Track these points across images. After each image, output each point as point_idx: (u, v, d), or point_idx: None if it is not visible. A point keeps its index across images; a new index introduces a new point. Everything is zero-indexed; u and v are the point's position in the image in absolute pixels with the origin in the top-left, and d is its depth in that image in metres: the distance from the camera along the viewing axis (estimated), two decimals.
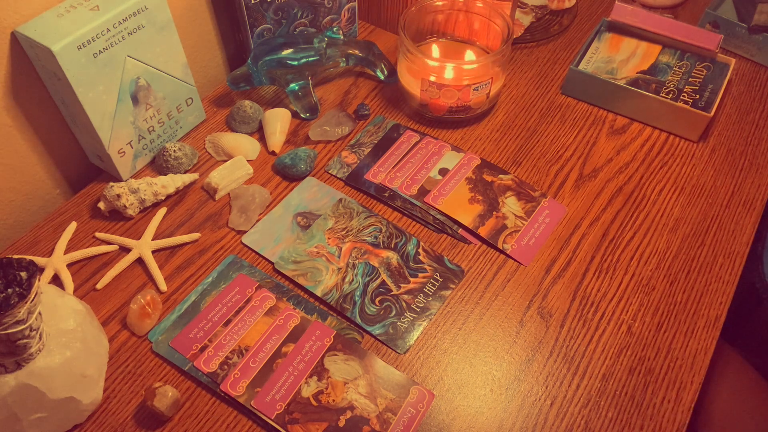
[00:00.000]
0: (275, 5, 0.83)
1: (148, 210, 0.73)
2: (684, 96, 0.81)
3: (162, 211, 0.73)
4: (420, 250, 0.69)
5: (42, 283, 0.64)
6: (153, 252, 0.69)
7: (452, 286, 0.67)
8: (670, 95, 0.81)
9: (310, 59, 0.81)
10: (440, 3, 0.84)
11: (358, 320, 0.63)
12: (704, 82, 0.83)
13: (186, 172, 0.77)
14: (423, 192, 0.74)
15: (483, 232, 0.71)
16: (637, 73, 0.85)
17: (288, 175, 0.76)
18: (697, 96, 0.81)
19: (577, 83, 0.85)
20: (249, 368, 0.60)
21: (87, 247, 0.69)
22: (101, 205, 0.71)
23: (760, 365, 0.80)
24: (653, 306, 0.66)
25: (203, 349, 0.61)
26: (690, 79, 0.84)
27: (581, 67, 0.86)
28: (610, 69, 0.86)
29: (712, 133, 0.83)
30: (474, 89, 0.78)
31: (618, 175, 0.77)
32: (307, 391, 0.58)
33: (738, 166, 0.79)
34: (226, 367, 0.60)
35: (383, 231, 0.71)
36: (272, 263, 0.68)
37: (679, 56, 0.87)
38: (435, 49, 0.88)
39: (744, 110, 0.86)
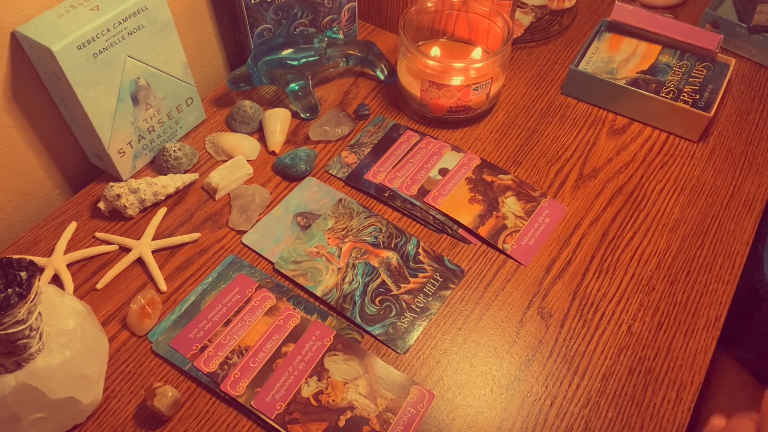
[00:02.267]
0: (275, 5, 0.83)
1: (148, 210, 0.73)
2: (684, 96, 0.81)
3: (162, 211, 0.73)
4: (420, 250, 0.69)
5: (42, 283, 0.64)
6: (153, 252, 0.69)
7: (452, 286, 0.67)
8: (670, 95, 0.81)
9: (310, 59, 0.81)
10: (440, 3, 0.84)
11: (358, 320, 0.63)
12: (704, 82, 0.83)
13: (186, 172, 0.77)
14: (423, 192, 0.74)
15: (483, 232, 0.71)
16: (637, 73, 0.85)
17: (288, 175, 0.76)
18: (697, 96, 0.81)
19: (577, 83, 0.85)
20: (249, 368, 0.60)
21: (87, 247, 0.69)
22: (101, 205, 0.71)
23: (761, 365, 0.80)
24: (653, 306, 0.66)
25: (203, 349, 0.61)
26: (690, 79, 0.84)
27: (581, 67, 0.86)
28: (610, 69, 0.86)
29: (712, 133, 0.83)
30: (474, 89, 0.78)
31: (618, 175, 0.77)
32: (307, 391, 0.58)
33: (738, 166, 0.79)
34: (226, 367, 0.60)
35: (383, 231, 0.71)
36: (272, 263, 0.68)
37: (679, 56, 0.87)
38: (435, 50, 0.88)
39: (744, 110, 0.86)
